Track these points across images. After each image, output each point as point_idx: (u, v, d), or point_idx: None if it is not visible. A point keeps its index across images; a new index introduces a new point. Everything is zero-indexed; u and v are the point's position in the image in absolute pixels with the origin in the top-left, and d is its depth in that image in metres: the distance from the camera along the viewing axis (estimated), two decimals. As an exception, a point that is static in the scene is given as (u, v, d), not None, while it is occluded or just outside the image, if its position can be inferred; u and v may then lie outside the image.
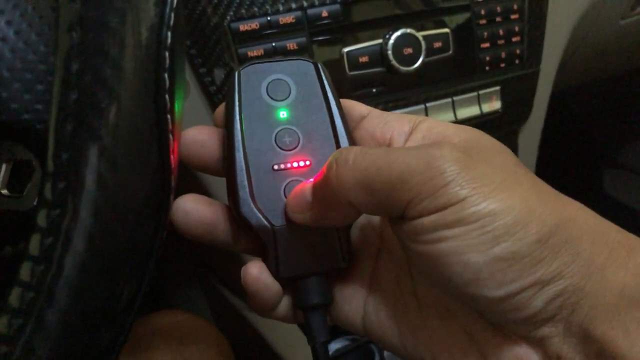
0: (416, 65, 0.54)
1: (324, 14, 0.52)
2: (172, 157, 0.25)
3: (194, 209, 0.30)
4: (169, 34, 0.24)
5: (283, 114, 0.30)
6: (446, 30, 0.56)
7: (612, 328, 0.23)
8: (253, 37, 0.50)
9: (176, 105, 0.25)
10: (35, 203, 0.28)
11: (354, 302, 0.31)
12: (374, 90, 0.55)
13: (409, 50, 0.54)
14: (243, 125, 0.30)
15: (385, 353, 0.58)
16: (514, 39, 0.60)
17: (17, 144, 0.29)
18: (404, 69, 0.54)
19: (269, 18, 0.50)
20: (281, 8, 0.50)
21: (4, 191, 0.30)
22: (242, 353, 0.57)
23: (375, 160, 0.25)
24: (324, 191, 0.27)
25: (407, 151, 0.25)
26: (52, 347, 0.23)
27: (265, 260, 0.30)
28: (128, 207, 0.24)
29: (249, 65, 0.31)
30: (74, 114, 0.23)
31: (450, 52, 0.57)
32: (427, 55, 0.55)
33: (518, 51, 0.60)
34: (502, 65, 0.60)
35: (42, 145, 0.24)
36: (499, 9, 0.59)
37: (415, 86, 0.57)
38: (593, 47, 0.76)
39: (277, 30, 0.50)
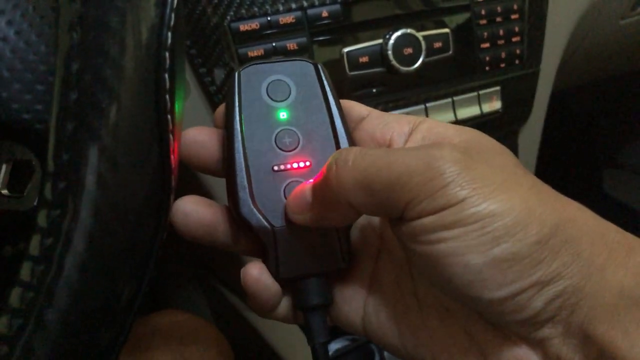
0: (416, 65, 0.54)
1: (324, 14, 0.52)
2: (172, 157, 0.25)
3: (193, 211, 0.30)
4: (170, 34, 0.24)
5: (283, 115, 0.30)
6: (446, 30, 0.56)
7: (611, 328, 0.23)
8: (253, 37, 0.50)
9: (176, 106, 0.25)
10: (35, 203, 0.28)
11: (354, 302, 0.31)
12: (374, 90, 0.55)
13: (409, 51, 0.54)
14: (243, 126, 0.30)
15: (385, 353, 0.58)
16: (514, 39, 0.60)
17: (17, 144, 0.29)
18: (404, 69, 0.54)
19: (269, 18, 0.50)
20: (281, 8, 0.50)
21: (4, 191, 0.30)
22: (242, 353, 0.57)
23: (375, 161, 0.25)
24: (324, 192, 0.27)
25: (407, 152, 0.25)
26: (52, 347, 0.23)
27: (265, 261, 0.30)
28: (128, 207, 0.24)
29: (249, 65, 0.31)
30: (74, 114, 0.23)
31: (451, 52, 0.57)
32: (427, 55, 0.55)
33: (518, 51, 0.60)
34: (502, 65, 0.60)
35: (42, 146, 0.24)
36: (499, 9, 0.59)
37: (416, 86, 0.57)
38: (593, 47, 0.76)
39: (277, 30, 0.50)
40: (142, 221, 0.25)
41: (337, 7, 0.52)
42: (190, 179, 0.52)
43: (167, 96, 0.24)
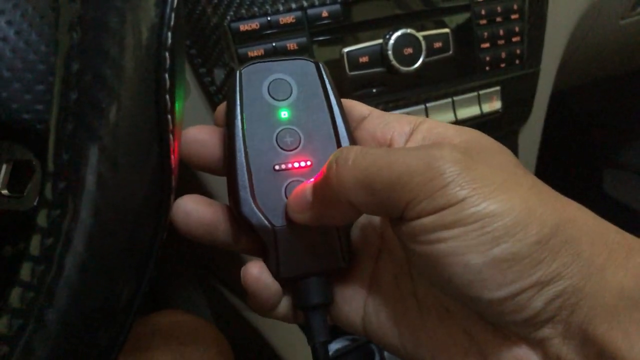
0: (416, 65, 0.54)
1: (324, 14, 0.52)
2: (172, 157, 0.25)
3: (194, 210, 0.30)
4: (170, 34, 0.24)
5: (284, 114, 0.30)
6: (446, 30, 0.56)
7: (611, 329, 0.23)
8: (253, 37, 0.50)
9: (176, 106, 0.25)
10: (35, 203, 0.28)
11: (354, 302, 0.31)
12: (374, 90, 0.55)
13: (409, 51, 0.54)
14: (244, 125, 0.30)
15: (386, 353, 0.58)
16: (514, 39, 0.60)
17: (17, 144, 0.29)
18: (404, 69, 0.54)
19: (269, 18, 0.50)
20: (281, 8, 0.50)
21: (4, 191, 0.29)
22: (242, 353, 0.57)
23: (376, 160, 0.25)
24: (324, 191, 0.27)
25: (408, 152, 0.25)
26: (52, 347, 0.23)
27: (265, 261, 0.30)
28: (128, 207, 0.24)
29: (250, 64, 0.31)
30: (74, 114, 0.23)
31: (451, 52, 0.57)
32: (427, 55, 0.55)
33: (518, 51, 0.60)
34: (502, 65, 0.60)
35: (42, 146, 0.24)
36: (499, 9, 0.58)
37: (416, 86, 0.57)
38: (593, 47, 0.76)
39: (277, 30, 0.50)
40: (142, 221, 0.25)
41: (337, 7, 0.52)
42: (191, 178, 0.52)
43: (167, 96, 0.24)
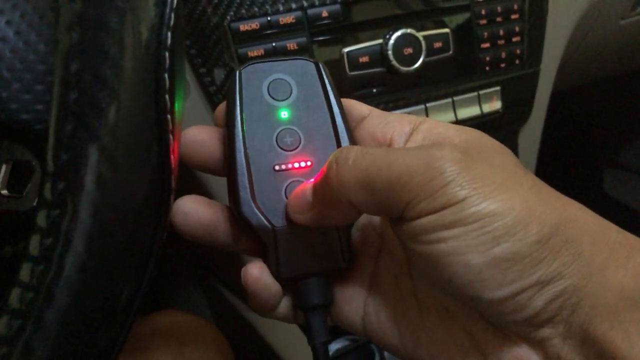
0: (416, 65, 0.54)
1: (324, 14, 0.52)
2: (172, 157, 0.25)
3: (193, 210, 0.30)
4: (169, 34, 0.24)
5: (284, 114, 0.30)
6: (446, 30, 0.56)
7: (612, 329, 0.23)
8: (253, 37, 0.50)
9: (176, 106, 0.25)
10: (35, 203, 0.28)
11: (354, 302, 0.31)
12: (374, 90, 0.55)
13: (409, 51, 0.54)
14: (244, 125, 0.29)
15: (386, 353, 0.58)
16: (514, 39, 0.60)
17: (17, 144, 0.29)
18: (404, 69, 0.54)
19: (269, 18, 0.50)
20: (281, 8, 0.50)
21: (4, 191, 0.29)
22: (242, 353, 0.57)
23: (376, 160, 0.25)
24: (324, 191, 0.27)
25: (408, 152, 0.25)
26: (51, 347, 0.23)
27: (265, 261, 0.30)
28: (128, 207, 0.24)
29: (250, 64, 0.31)
30: (73, 114, 0.23)
31: (451, 52, 0.57)
32: (427, 55, 0.55)
33: (518, 51, 0.60)
34: (503, 65, 0.60)
35: (41, 146, 0.24)
36: (499, 9, 0.58)
37: (416, 86, 0.57)
38: (593, 47, 0.76)
39: (277, 30, 0.50)
40: (141, 221, 0.25)
41: (337, 7, 0.52)
42: (191, 178, 0.52)
43: (167, 96, 0.24)
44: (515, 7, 0.59)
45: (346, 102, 0.31)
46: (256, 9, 0.50)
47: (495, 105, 0.61)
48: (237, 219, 0.30)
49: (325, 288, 0.30)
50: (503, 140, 0.28)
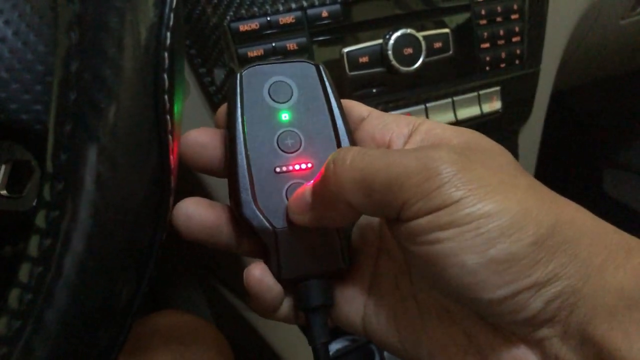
0: (416, 65, 0.54)
1: (324, 14, 0.52)
2: (171, 157, 0.25)
3: (196, 213, 0.29)
4: (168, 34, 0.24)
5: (285, 116, 0.30)
6: (446, 30, 0.56)
7: (611, 329, 0.23)
8: (253, 37, 0.50)
9: (175, 106, 0.25)
10: (34, 204, 0.28)
11: (354, 303, 0.31)
12: (374, 90, 0.55)
13: (409, 51, 0.54)
14: (245, 128, 0.30)
15: (385, 353, 0.58)
16: (514, 39, 0.60)
17: (16, 144, 0.29)
18: (404, 69, 0.54)
19: (269, 18, 0.50)
20: (281, 8, 0.50)
21: (4, 192, 0.29)
22: (242, 353, 0.57)
23: (374, 161, 0.25)
24: (323, 191, 0.27)
25: (405, 153, 0.25)
26: (51, 347, 0.23)
27: (267, 262, 0.30)
28: (127, 207, 0.24)
29: (251, 67, 0.31)
30: (72, 114, 0.23)
31: (451, 52, 0.57)
32: (427, 56, 0.55)
33: (518, 51, 0.60)
34: (503, 65, 0.60)
35: (41, 146, 0.24)
36: (499, 9, 0.58)
37: (416, 86, 0.56)
38: (593, 47, 0.76)
39: (277, 30, 0.50)
40: (141, 221, 0.25)
41: (337, 7, 0.52)
42: (191, 179, 0.52)
43: (166, 96, 0.24)
44: (515, 7, 0.59)
45: (346, 102, 0.31)
46: (256, 9, 0.50)
47: (495, 105, 0.61)
48: (238, 221, 0.30)
49: (326, 289, 0.30)
50: (503, 140, 0.28)
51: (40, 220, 0.23)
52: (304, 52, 0.51)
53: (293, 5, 0.51)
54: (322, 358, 0.29)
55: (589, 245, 0.24)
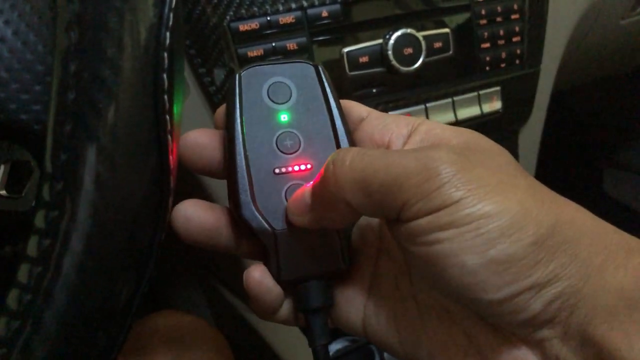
0: (416, 65, 0.54)
1: (324, 14, 0.52)
2: (170, 157, 0.25)
3: (195, 215, 0.29)
4: (168, 34, 0.24)
5: (284, 117, 0.30)
6: (446, 30, 0.56)
7: (611, 330, 0.23)
8: (253, 37, 0.50)
9: (175, 106, 0.25)
10: (33, 204, 0.28)
11: (354, 304, 0.31)
12: (374, 90, 0.55)
13: (409, 51, 0.54)
14: (244, 129, 0.29)
15: (385, 354, 0.58)
16: (514, 39, 0.60)
17: (15, 144, 0.29)
18: (404, 69, 0.54)
19: (268, 18, 0.50)
20: (281, 8, 0.50)
21: (3, 192, 0.29)
22: (242, 354, 0.57)
23: (373, 161, 0.25)
24: (322, 192, 0.27)
25: (405, 153, 0.25)
26: (50, 348, 0.23)
27: (266, 264, 0.30)
28: (127, 208, 0.24)
29: (250, 67, 0.31)
30: (72, 114, 0.23)
31: (451, 52, 0.57)
32: (427, 55, 0.55)
33: (518, 51, 0.60)
34: (503, 65, 0.60)
35: (40, 146, 0.24)
36: (499, 9, 0.58)
37: (416, 86, 0.56)
38: (593, 47, 0.76)
39: (277, 30, 0.50)
40: (141, 221, 0.25)
41: (337, 7, 0.52)
42: (190, 180, 0.52)
43: (166, 96, 0.24)
44: (515, 7, 0.59)
45: (345, 103, 0.31)
46: (256, 8, 0.50)
47: (495, 105, 0.61)
48: (237, 222, 0.30)
49: (325, 290, 0.30)
50: (503, 140, 0.28)
51: (39, 220, 0.23)
52: (304, 52, 0.51)
53: (293, 5, 0.51)
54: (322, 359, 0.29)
55: (589, 245, 0.24)
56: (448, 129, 0.28)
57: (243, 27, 0.49)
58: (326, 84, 0.31)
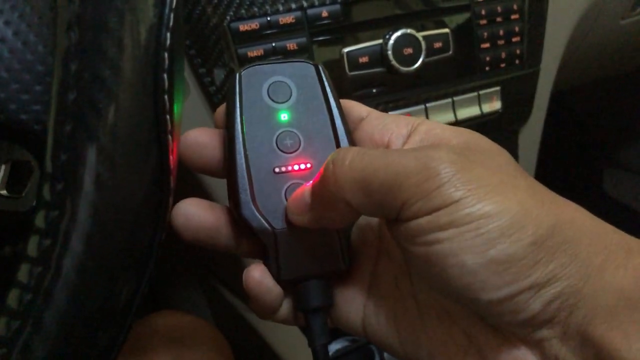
0: (416, 65, 0.54)
1: (324, 14, 0.52)
2: (171, 157, 0.25)
3: (195, 214, 0.29)
4: (168, 34, 0.24)
5: (284, 116, 0.30)
6: (446, 30, 0.56)
7: (610, 330, 0.23)
8: (253, 37, 0.50)
9: (175, 106, 0.25)
10: (34, 204, 0.28)
11: (354, 304, 0.31)
12: (374, 90, 0.55)
13: (409, 51, 0.54)
14: (244, 128, 0.29)
15: (385, 354, 0.58)
16: (514, 39, 0.60)
17: (16, 144, 0.29)
18: (404, 69, 0.54)
19: (269, 18, 0.50)
20: (281, 8, 0.50)
21: (3, 192, 0.29)
22: (242, 354, 0.57)
23: (373, 161, 0.25)
24: (322, 192, 0.27)
25: (405, 153, 0.25)
26: (50, 348, 0.23)
27: (266, 263, 0.30)
28: (127, 208, 0.24)
29: (250, 67, 0.31)
30: (72, 114, 0.23)
31: (451, 52, 0.57)
32: (427, 56, 0.55)
33: (518, 51, 0.60)
34: (502, 65, 0.60)
35: (40, 146, 0.24)
36: (499, 9, 0.58)
37: (416, 86, 0.56)
38: (593, 47, 0.76)
39: (277, 30, 0.50)
40: (141, 221, 0.25)
41: (337, 7, 0.52)
42: (190, 180, 0.52)
43: (166, 96, 0.24)
44: (515, 7, 0.59)
45: (345, 103, 0.31)
46: (256, 9, 0.50)
47: (495, 105, 0.61)
48: (237, 221, 0.30)
49: (325, 290, 0.30)
50: (503, 140, 0.28)
51: (39, 220, 0.23)
52: (304, 52, 0.51)
53: (293, 5, 0.51)
54: (321, 359, 0.29)
55: (588, 245, 0.24)
56: (448, 129, 0.28)
57: (243, 27, 0.49)
58: (326, 84, 0.31)
